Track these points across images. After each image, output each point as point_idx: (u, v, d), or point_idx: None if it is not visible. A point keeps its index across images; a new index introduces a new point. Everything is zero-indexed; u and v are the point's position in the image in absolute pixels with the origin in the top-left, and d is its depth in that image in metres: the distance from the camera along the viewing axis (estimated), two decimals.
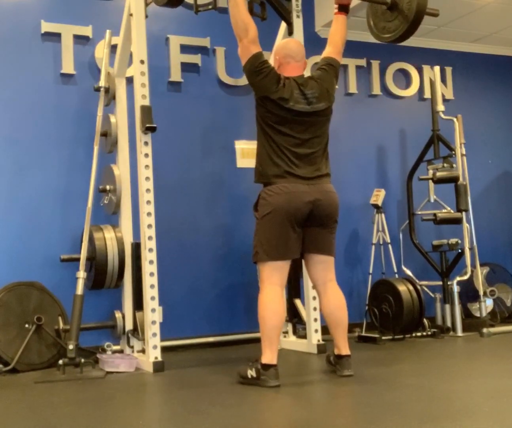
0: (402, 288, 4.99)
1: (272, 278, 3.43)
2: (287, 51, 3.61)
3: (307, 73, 4.08)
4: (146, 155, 4.03)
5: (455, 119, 5.46)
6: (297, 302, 4.74)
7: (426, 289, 5.41)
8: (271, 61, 3.69)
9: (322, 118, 3.57)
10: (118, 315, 4.45)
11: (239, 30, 3.49)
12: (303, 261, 3.74)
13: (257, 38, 3.50)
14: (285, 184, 3.42)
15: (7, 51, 4.71)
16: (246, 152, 5.29)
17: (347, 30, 3.89)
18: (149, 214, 4.00)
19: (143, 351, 4.22)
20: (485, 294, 5.28)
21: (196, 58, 5.26)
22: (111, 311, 4.55)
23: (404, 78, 6.14)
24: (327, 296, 3.59)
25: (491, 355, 4.38)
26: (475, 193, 5.88)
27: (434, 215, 5.23)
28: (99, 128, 4.41)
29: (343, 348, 3.54)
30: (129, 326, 4.40)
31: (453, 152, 5.38)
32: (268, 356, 3.35)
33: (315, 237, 3.53)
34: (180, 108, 5.18)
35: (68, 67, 4.84)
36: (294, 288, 4.77)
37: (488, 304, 5.41)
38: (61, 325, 4.22)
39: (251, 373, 3.38)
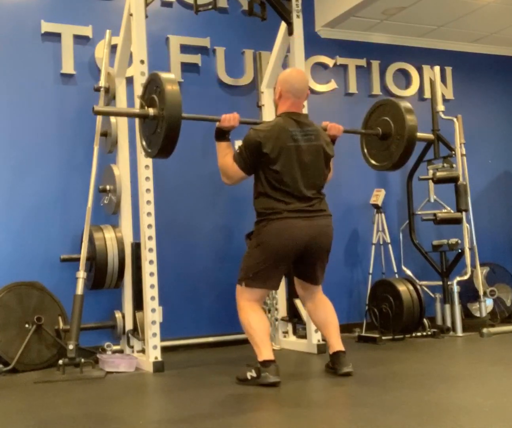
0: (402, 288, 4.99)
1: (251, 300, 3.52)
2: (289, 87, 3.58)
3: (306, 74, 4.08)
4: None
5: (455, 119, 5.47)
6: (297, 302, 4.73)
7: (426, 289, 5.41)
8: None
9: (318, 155, 3.55)
10: (118, 315, 4.45)
11: (223, 176, 3.62)
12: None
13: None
14: (281, 221, 3.43)
15: (7, 51, 4.71)
16: None
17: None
18: (149, 214, 4.01)
19: (143, 351, 4.22)
20: (485, 294, 5.28)
21: (196, 58, 5.25)
22: (111, 311, 4.55)
23: (404, 78, 6.14)
24: (314, 309, 3.71)
25: (491, 355, 4.38)
26: (475, 193, 5.88)
27: (434, 215, 5.24)
28: (99, 128, 4.41)
29: (336, 344, 3.56)
30: (129, 326, 4.40)
31: (453, 152, 5.38)
32: (265, 353, 3.36)
33: (307, 269, 3.63)
34: None
35: (68, 67, 4.83)
36: (294, 288, 4.76)
37: (488, 304, 5.41)
38: (61, 325, 4.23)
39: (250, 374, 3.38)
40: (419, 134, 3.93)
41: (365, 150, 4.13)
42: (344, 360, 3.52)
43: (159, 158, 3.53)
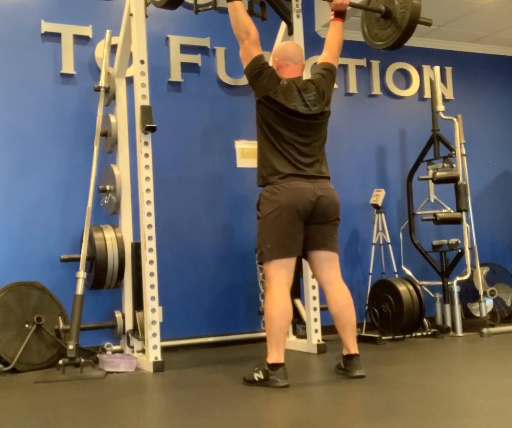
0: (402, 288, 4.99)
1: (278, 275, 3.41)
2: (285, 53, 3.61)
3: (306, 73, 4.09)
4: (146, 155, 4.03)
5: (455, 119, 5.47)
6: (297, 302, 4.74)
7: (426, 289, 5.41)
8: (270, 63, 3.69)
9: (319, 121, 3.56)
10: (118, 315, 4.45)
11: (240, 32, 3.51)
12: (303, 261, 3.73)
13: (258, 39, 3.52)
14: (287, 182, 3.42)
15: (7, 51, 4.71)
16: (246, 152, 5.29)
17: (345, 31, 3.89)
18: (149, 214, 4.00)
19: (143, 351, 4.22)
20: (485, 294, 5.28)
21: (196, 58, 5.26)
22: (111, 311, 4.55)
23: (404, 78, 6.14)
24: (333, 296, 3.55)
25: (491, 355, 4.38)
26: (475, 193, 5.88)
27: (434, 215, 5.23)
28: (99, 128, 4.41)
29: (351, 347, 3.49)
30: (129, 326, 4.40)
31: (453, 152, 5.38)
32: (275, 356, 3.34)
33: (318, 233, 3.51)
34: (180, 108, 5.18)
35: (68, 67, 4.84)
36: (294, 288, 4.74)
37: (488, 304, 5.41)
38: (61, 325, 4.22)
39: (258, 376, 3.35)
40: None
41: (365, 29, 4.11)
42: (358, 363, 3.46)
43: (167, 8, 3.50)
